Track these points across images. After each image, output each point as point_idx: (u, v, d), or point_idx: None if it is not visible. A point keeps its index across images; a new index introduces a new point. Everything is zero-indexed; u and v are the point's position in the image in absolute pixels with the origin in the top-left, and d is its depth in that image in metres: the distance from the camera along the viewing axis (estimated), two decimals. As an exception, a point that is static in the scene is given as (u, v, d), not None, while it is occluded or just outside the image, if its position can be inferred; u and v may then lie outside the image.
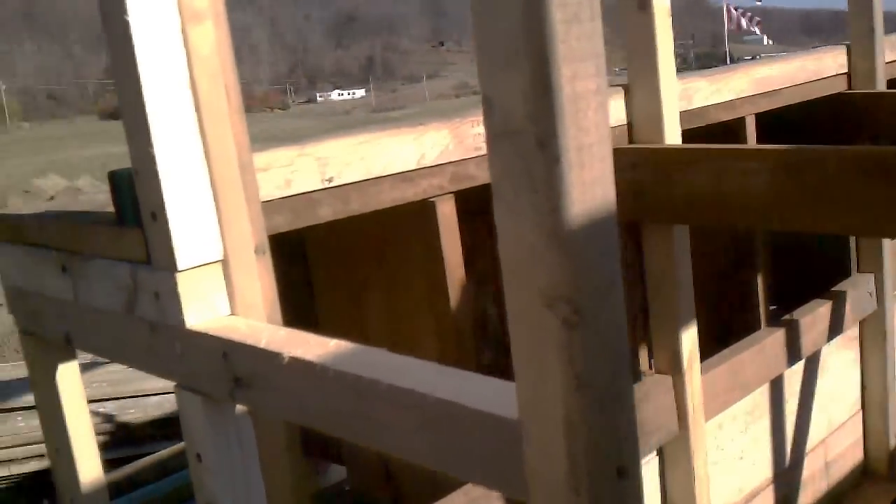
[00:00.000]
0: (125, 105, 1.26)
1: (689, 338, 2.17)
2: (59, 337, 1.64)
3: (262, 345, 1.19)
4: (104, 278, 1.45)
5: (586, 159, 0.79)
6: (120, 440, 5.56)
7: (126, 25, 1.20)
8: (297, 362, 1.13)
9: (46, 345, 1.72)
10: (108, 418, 5.70)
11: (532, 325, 0.84)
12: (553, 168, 0.78)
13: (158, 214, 1.28)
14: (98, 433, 5.59)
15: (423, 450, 1.01)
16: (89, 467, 1.80)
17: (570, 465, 0.85)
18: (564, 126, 0.77)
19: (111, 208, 1.54)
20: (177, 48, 1.24)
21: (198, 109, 1.26)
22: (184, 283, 1.29)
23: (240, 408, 1.36)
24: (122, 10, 1.19)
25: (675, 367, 2.15)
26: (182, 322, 1.30)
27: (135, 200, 1.32)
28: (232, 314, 1.34)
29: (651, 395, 2.12)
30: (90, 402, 5.65)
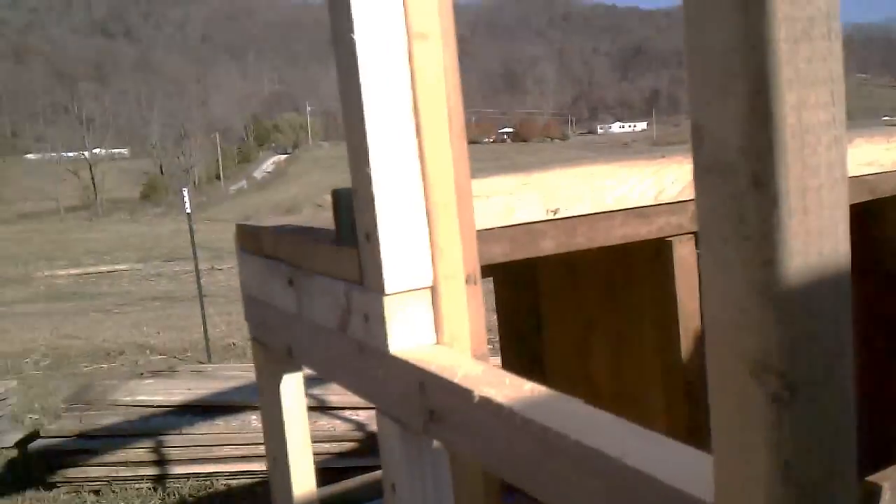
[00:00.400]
0: (348, 123, 1.25)
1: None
2: (283, 348, 1.67)
3: (456, 379, 1.13)
4: (323, 295, 1.45)
5: (812, 204, 0.66)
6: (368, 449, 5.74)
7: (352, 43, 1.18)
8: (487, 402, 1.05)
9: (273, 354, 1.76)
10: (360, 427, 5.91)
11: (735, 398, 0.71)
12: (769, 212, 0.65)
13: (371, 235, 1.25)
14: (348, 440, 5.83)
15: (607, 520, 0.90)
16: (303, 478, 1.82)
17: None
18: (786, 163, 0.64)
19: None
20: (401, 68, 1.21)
21: (418, 132, 1.23)
22: (390, 306, 1.25)
23: (437, 442, 1.30)
24: (349, 28, 1.18)
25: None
26: (386, 346, 1.27)
27: (353, 220, 1.30)
28: (437, 343, 1.29)
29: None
30: (344, 409, 5.91)
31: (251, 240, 1.76)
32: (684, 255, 1.57)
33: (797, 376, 0.67)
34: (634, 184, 1.49)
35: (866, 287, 1.89)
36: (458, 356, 1.23)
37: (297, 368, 1.80)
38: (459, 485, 1.33)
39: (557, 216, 1.44)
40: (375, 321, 1.29)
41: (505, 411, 1.02)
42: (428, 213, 1.25)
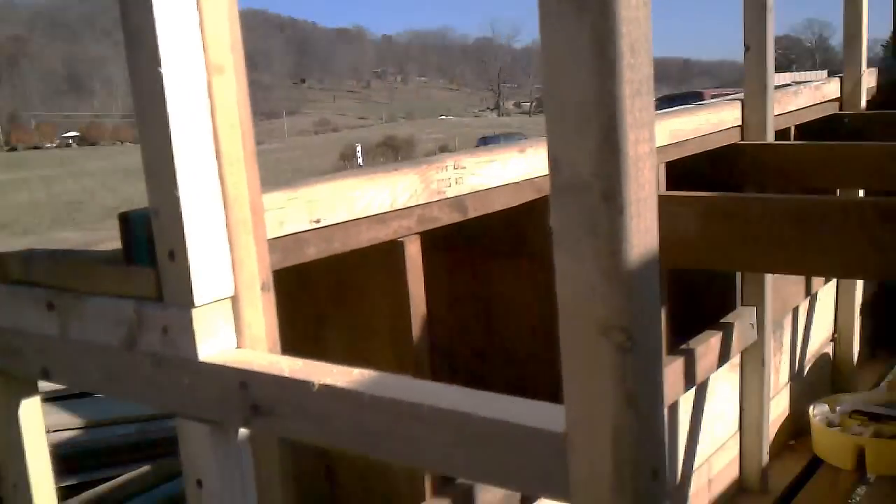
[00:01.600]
0: (150, 151, 1.33)
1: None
2: (35, 371, 1.66)
3: (286, 374, 1.28)
4: (101, 314, 1.49)
5: (642, 210, 0.94)
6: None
7: (159, 76, 1.27)
8: (328, 389, 1.23)
9: (11, 380, 1.73)
10: None
11: (587, 351, 0.97)
12: (617, 218, 0.92)
13: (177, 254, 1.35)
14: None
15: (462, 464, 1.13)
16: (46, 501, 1.81)
17: (616, 470, 0.99)
18: (628, 183, 0.92)
19: (98, 247, 1.60)
20: (203, 99, 1.32)
21: (218, 158, 1.35)
22: (199, 318, 1.36)
23: (242, 435, 1.43)
24: (156, 62, 1.27)
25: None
26: (195, 355, 1.37)
27: (150, 241, 1.38)
28: (238, 347, 1.42)
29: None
30: None
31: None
32: (412, 252, 1.83)
33: (634, 330, 0.96)
34: (375, 194, 1.72)
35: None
36: (273, 356, 1.38)
37: (35, 393, 1.78)
38: (259, 469, 1.47)
39: (319, 225, 1.62)
40: (179, 333, 1.38)
41: (352, 394, 1.20)
42: (228, 230, 1.38)
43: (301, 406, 1.27)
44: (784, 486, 3.42)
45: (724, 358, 2.99)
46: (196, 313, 1.36)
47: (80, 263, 1.52)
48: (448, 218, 1.91)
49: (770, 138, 3.15)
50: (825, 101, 3.94)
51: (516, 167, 2.11)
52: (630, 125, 0.91)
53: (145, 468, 3.89)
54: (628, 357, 0.96)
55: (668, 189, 2.76)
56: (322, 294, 2.00)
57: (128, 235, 1.43)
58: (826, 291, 4.06)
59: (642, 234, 0.95)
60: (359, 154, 28.44)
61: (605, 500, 1.00)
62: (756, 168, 3.12)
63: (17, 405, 1.75)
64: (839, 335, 4.23)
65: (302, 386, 1.26)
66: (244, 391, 1.33)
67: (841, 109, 4.05)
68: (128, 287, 1.44)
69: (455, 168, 1.94)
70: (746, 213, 1.92)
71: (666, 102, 28.77)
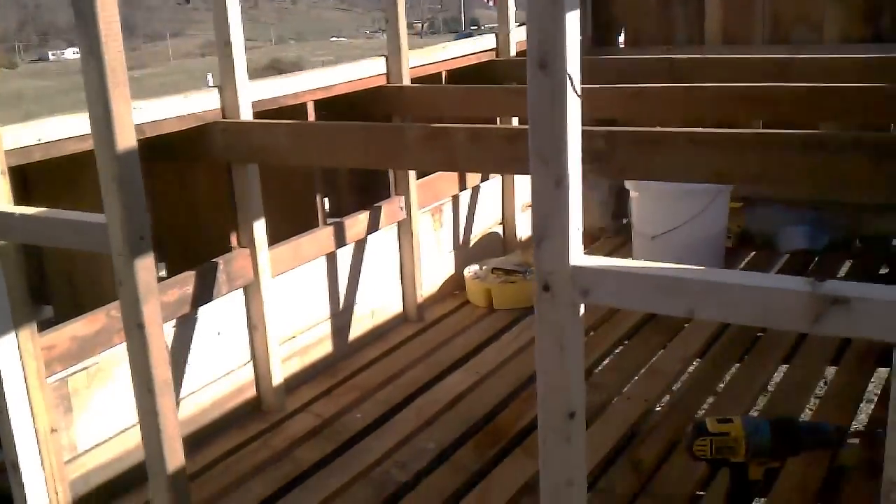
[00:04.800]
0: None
1: (259, 229, 3.86)
2: None
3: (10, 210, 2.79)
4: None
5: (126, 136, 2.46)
6: None
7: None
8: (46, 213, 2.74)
9: None
10: None
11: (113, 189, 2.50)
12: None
13: (-43, 156, 2.82)
14: None
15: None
16: None
17: (123, 223, 2.52)
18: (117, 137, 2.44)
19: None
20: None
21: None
22: (-29, 187, 2.85)
23: (-1, 246, 2.92)
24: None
25: (251, 244, 3.87)
26: (-30, 205, 2.86)
27: None
28: None
29: (238, 258, 3.83)
30: None
31: None
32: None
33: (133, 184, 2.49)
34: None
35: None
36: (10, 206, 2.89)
37: None
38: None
39: (41, 142, 3.11)
40: (-38, 195, 2.87)
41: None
42: None
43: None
44: (436, 317, 5.07)
45: (372, 229, 4.56)
46: (-28, 184, 2.84)
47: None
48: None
49: (406, 82, 4.71)
50: (483, 51, 5.53)
51: (181, 105, 3.58)
52: (114, 103, 2.42)
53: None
54: (120, 191, 2.49)
55: (316, 119, 4.31)
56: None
57: None
58: (490, 187, 5.70)
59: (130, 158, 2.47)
60: (210, 83, 29.70)
61: (119, 246, 2.53)
62: (398, 103, 4.68)
63: None
64: (505, 221, 5.90)
65: (11, 215, 2.76)
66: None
67: (497, 57, 5.64)
68: (-64, 173, 2.91)
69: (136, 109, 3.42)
70: (310, 132, 3.51)
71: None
